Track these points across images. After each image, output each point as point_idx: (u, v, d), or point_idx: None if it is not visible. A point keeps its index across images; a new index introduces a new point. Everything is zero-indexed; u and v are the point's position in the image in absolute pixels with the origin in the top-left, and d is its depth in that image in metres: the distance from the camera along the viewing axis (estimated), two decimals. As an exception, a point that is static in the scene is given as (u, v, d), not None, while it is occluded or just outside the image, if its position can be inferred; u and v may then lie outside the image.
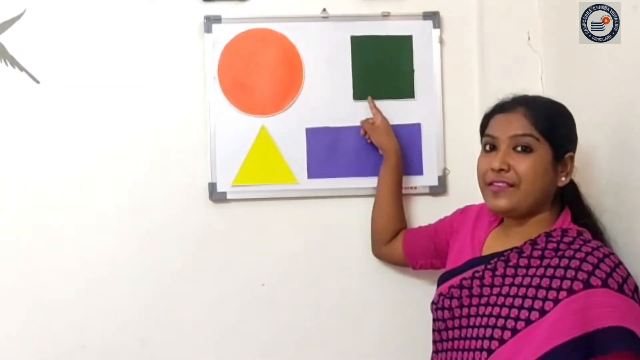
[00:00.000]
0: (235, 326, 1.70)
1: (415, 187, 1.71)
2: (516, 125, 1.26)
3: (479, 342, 1.24)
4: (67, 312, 1.67)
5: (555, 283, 1.19)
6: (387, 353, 1.71)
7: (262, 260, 1.71)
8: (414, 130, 1.71)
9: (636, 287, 1.19)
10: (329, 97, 1.69)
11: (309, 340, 1.70)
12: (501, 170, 1.25)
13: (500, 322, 1.22)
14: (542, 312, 1.18)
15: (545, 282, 1.20)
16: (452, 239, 1.47)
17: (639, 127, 1.28)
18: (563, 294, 1.17)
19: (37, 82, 1.65)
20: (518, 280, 1.25)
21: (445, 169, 1.71)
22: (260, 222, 1.70)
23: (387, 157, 1.63)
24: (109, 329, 1.68)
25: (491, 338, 1.22)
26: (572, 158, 1.29)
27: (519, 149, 1.25)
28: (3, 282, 1.65)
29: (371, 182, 1.68)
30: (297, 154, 1.69)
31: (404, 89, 1.70)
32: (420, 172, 1.71)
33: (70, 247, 1.67)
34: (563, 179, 1.28)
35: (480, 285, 1.29)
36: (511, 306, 1.22)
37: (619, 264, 1.20)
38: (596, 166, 1.44)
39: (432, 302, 1.38)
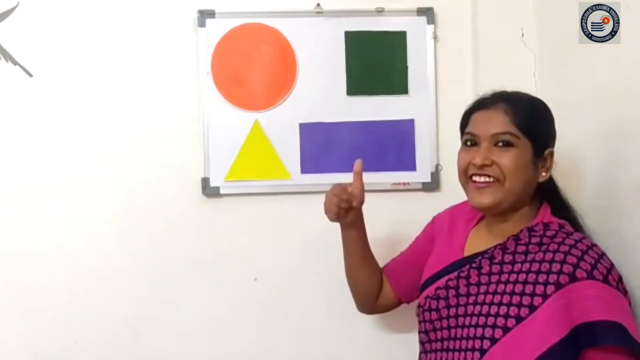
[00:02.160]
0: (227, 321, 1.71)
1: (408, 183, 1.72)
2: (497, 123, 1.26)
3: (470, 342, 1.24)
4: (60, 307, 1.67)
5: (542, 278, 1.19)
6: (380, 348, 1.71)
7: (254, 255, 1.71)
8: (407, 126, 1.71)
9: (620, 277, 1.21)
10: (322, 92, 1.69)
11: (301, 335, 1.71)
12: (484, 165, 1.25)
13: (491, 320, 1.22)
14: (532, 308, 1.18)
15: (531, 277, 1.21)
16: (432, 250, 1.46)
17: (630, 127, 1.28)
18: (551, 288, 1.18)
19: (31, 75, 1.65)
20: (504, 277, 1.25)
21: (438, 165, 1.71)
22: (254, 217, 1.71)
23: (354, 226, 1.46)
24: (102, 323, 1.68)
25: (482, 337, 1.22)
26: (551, 154, 1.30)
27: (500, 144, 1.25)
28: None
29: (364, 178, 1.66)
30: (290, 149, 1.69)
31: (397, 84, 1.70)
32: (413, 168, 1.71)
33: (62, 242, 1.67)
34: (544, 174, 1.29)
35: (466, 284, 1.29)
36: (500, 304, 1.22)
37: (602, 254, 1.21)
38: (588, 164, 1.44)
39: (418, 306, 1.37)
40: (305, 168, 1.69)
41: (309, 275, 1.71)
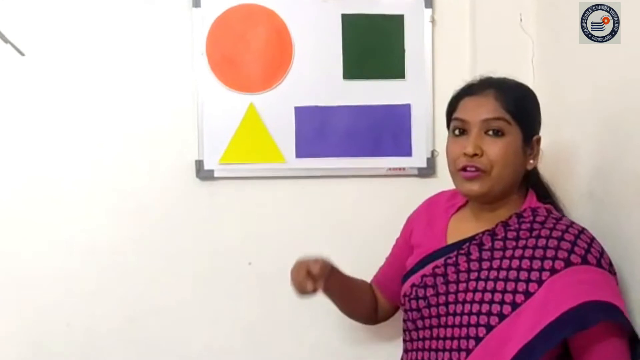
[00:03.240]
0: (221, 305, 1.70)
1: (404, 169, 1.71)
2: (487, 108, 1.24)
3: (464, 329, 1.23)
4: (52, 291, 1.66)
5: (537, 264, 1.19)
6: (375, 331, 1.71)
7: (249, 239, 1.70)
8: (404, 111, 1.70)
9: (610, 260, 1.21)
10: (318, 75, 1.67)
11: (295, 320, 1.70)
12: (474, 155, 1.23)
13: (485, 307, 1.21)
14: (527, 294, 1.18)
15: (525, 263, 1.20)
16: (413, 238, 1.44)
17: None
18: (546, 274, 1.18)
19: (22, 54, 1.62)
20: (496, 263, 1.24)
21: (434, 151, 1.70)
22: (248, 200, 1.70)
23: (329, 284, 1.39)
24: (95, 308, 1.68)
25: (477, 325, 1.21)
26: (538, 141, 1.29)
27: (490, 132, 1.24)
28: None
29: (360, 162, 1.68)
30: (285, 133, 1.67)
31: (394, 69, 1.68)
32: (409, 153, 1.70)
33: (55, 225, 1.66)
34: (531, 161, 1.29)
35: (455, 271, 1.28)
36: (493, 290, 1.21)
37: (593, 239, 1.22)
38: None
39: (404, 295, 1.35)
40: (301, 152, 1.68)
41: (303, 260, 1.70)
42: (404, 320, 1.37)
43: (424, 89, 1.70)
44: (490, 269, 1.24)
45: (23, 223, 1.66)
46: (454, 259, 1.29)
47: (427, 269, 1.32)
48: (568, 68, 1.52)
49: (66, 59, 1.64)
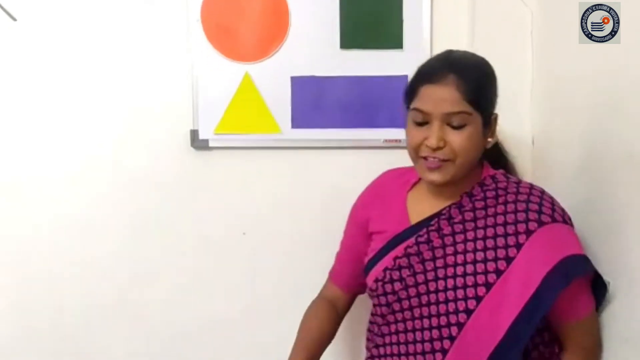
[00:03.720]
0: (216, 275, 1.71)
1: (400, 141, 1.69)
2: (449, 101, 1.20)
3: (451, 304, 1.22)
4: (46, 263, 1.67)
5: (511, 229, 1.21)
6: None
7: (243, 209, 1.70)
8: (401, 82, 1.66)
9: (569, 215, 1.26)
10: (315, 45, 1.65)
11: (289, 290, 1.71)
12: (437, 148, 1.22)
13: (470, 280, 1.21)
14: (509, 260, 1.19)
15: (500, 230, 1.22)
16: (370, 225, 1.39)
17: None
18: (522, 237, 1.20)
19: (14, 19, 1.59)
20: (470, 234, 1.24)
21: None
22: (243, 170, 1.69)
23: None
24: (89, 278, 1.68)
25: (465, 298, 1.21)
26: (495, 119, 1.29)
27: (453, 124, 1.22)
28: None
29: (356, 134, 1.67)
30: (281, 103, 1.65)
31: (392, 39, 1.65)
32: (405, 125, 1.68)
33: (49, 197, 1.66)
34: (490, 140, 1.28)
35: (429, 248, 1.27)
36: (474, 262, 1.22)
37: (552, 197, 1.26)
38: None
39: (375, 280, 1.32)
40: (296, 122, 1.67)
41: (297, 230, 1.70)
42: (373, 314, 1.35)
43: (421, 60, 1.65)
44: (465, 241, 1.24)
45: (16, 197, 1.65)
46: (426, 236, 1.28)
47: (398, 250, 1.30)
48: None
49: (59, 26, 1.62)
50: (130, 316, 1.71)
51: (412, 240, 1.29)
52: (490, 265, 1.20)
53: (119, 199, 1.67)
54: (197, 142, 1.66)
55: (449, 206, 1.28)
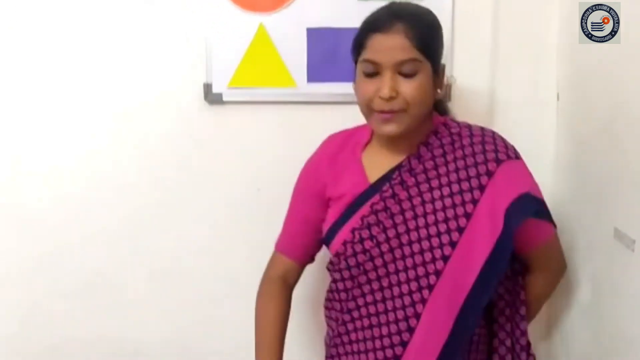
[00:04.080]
0: (230, 231, 1.69)
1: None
2: (399, 49, 1.20)
3: (427, 254, 1.24)
4: (56, 220, 1.66)
5: (472, 171, 1.24)
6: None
7: (258, 165, 1.67)
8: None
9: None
10: (332, -6, 1.58)
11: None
12: (390, 98, 1.20)
13: (442, 227, 1.23)
14: (475, 202, 1.23)
15: (462, 174, 1.25)
16: (328, 192, 1.36)
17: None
18: (484, 178, 1.24)
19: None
20: (434, 182, 1.26)
21: (451, 77, 1.64)
22: (257, 125, 1.65)
23: None
24: (99, 236, 1.67)
25: (440, 245, 1.23)
26: (443, 69, 1.30)
27: (404, 71, 1.20)
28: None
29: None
30: (296, 56, 1.60)
31: (412, -12, 1.59)
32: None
33: (59, 152, 1.64)
34: (439, 90, 1.29)
35: (396, 202, 1.27)
36: (443, 208, 1.24)
37: (501, 136, 1.31)
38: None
39: (343, 243, 1.30)
40: (312, 76, 1.62)
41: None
42: (337, 280, 1.33)
43: (443, 11, 1.59)
44: (430, 189, 1.26)
45: (27, 150, 1.64)
46: (390, 191, 1.28)
47: (364, 210, 1.30)
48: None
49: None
50: (141, 270, 1.70)
51: (377, 197, 1.29)
52: (459, 210, 1.23)
53: (131, 154, 1.65)
54: (211, 96, 1.62)
55: (408, 158, 1.29)
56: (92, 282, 1.70)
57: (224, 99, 1.62)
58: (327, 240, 1.36)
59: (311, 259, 1.47)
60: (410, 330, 1.27)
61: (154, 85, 1.62)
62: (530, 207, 1.24)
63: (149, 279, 1.71)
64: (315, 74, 1.61)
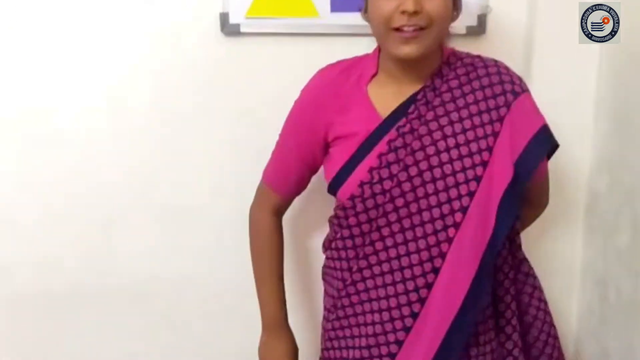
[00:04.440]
0: (247, 167, 1.60)
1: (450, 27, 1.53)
2: None
3: (453, 190, 1.19)
4: (69, 150, 1.60)
5: (492, 103, 1.21)
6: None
7: (276, 99, 1.57)
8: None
9: None
10: None
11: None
12: (414, 12, 1.11)
13: (468, 162, 1.19)
14: (495, 135, 1.20)
15: (482, 105, 1.21)
16: (332, 132, 1.28)
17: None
18: (503, 110, 1.21)
19: None
20: (454, 116, 1.21)
21: (487, 7, 1.52)
22: (277, 58, 1.56)
23: None
24: (114, 171, 1.62)
25: (467, 181, 1.18)
26: None
27: None
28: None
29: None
30: (319, -17, 1.48)
31: None
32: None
33: (71, 84, 1.57)
34: (455, 13, 1.23)
35: (416, 137, 1.20)
36: (466, 143, 1.19)
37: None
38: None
39: (360, 185, 1.22)
40: (336, 5, 1.51)
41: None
42: (351, 226, 1.26)
43: None
44: (451, 123, 1.19)
45: (41, 78, 1.56)
46: (408, 126, 1.21)
47: (380, 147, 1.21)
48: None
49: None
50: (163, 207, 1.65)
51: (393, 133, 1.21)
52: (482, 144, 1.19)
53: (144, 85, 1.57)
54: (228, 27, 1.52)
55: (423, 90, 1.23)
56: (107, 220, 1.65)
57: (242, 30, 1.53)
58: (336, 184, 1.28)
59: (301, 191, 1.43)
60: (436, 270, 1.21)
61: (166, 16, 1.53)
62: (549, 140, 1.25)
63: (163, 217, 1.65)
64: (339, 2, 1.51)
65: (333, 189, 1.30)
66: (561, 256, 1.70)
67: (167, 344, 1.72)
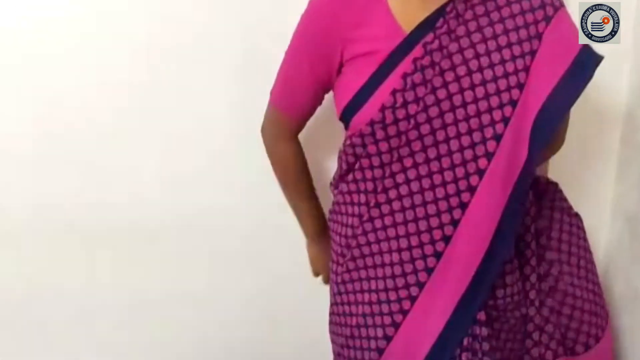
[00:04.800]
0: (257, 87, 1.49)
1: None
2: None
3: (485, 116, 1.07)
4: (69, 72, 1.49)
5: (530, 17, 1.08)
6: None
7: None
8: None
9: None
10: None
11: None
12: None
13: (503, 83, 1.06)
14: (533, 54, 1.07)
15: (519, 20, 1.08)
16: (348, 49, 1.12)
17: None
18: (542, 25, 1.09)
19: None
20: (488, 31, 1.07)
21: None
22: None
23: None
24: (113, 97, 1.51)
25: (501, 106, 1.07)
26: None
27: None
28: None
29: None
30: None
31: None
32: None
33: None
34: None
35: (446, 56, 1.07)
36: (502, 61, 1.06)
37: None
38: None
39: (381, 109, 1.09)
40: None
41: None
42: (370, 155, 1.12)
43: None
44: (484, 40, 1.07)
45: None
46: (437, 42, 1.06)
47: (404, 66, 1.08)
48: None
49: None
50: (164, 137, 1.55)
51: (419, 50, 1.08)
52: (519, 63, 1.07)
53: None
54: None
55: (452, 2, 1.08)
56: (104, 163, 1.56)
57: None
58: (352, 109, 1.13)
59: (313, 113, 1.29)
60: (463, 206, 1.10)
61: None
62: (596, 58, 1.11)
63: (163, 150, 1.55)
64: None
65: (348, 115, 1.14)
66: (591, 189, 1.59)
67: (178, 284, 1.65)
